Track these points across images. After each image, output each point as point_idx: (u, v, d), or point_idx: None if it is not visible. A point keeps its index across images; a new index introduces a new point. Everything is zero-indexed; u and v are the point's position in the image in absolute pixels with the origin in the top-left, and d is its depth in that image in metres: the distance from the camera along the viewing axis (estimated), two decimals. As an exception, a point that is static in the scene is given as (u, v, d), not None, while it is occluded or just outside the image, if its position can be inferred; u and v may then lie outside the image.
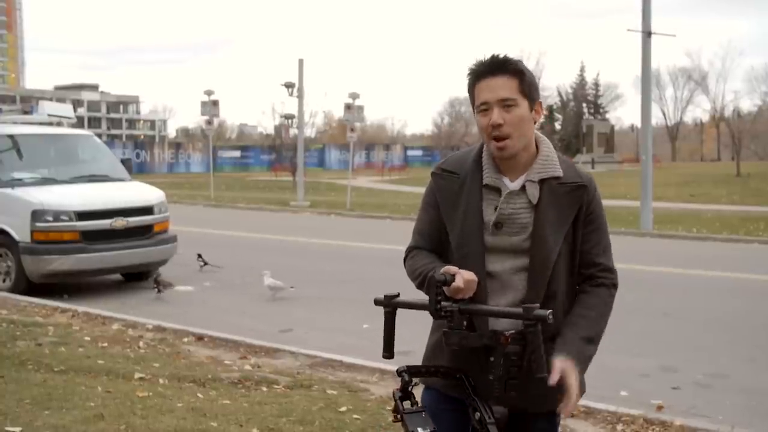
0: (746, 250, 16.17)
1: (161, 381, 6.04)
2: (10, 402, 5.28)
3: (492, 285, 2.48)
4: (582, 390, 2.52)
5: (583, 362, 2.43)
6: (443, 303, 2.32)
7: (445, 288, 2.32)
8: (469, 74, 2.51)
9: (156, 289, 10.39)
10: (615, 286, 2.57)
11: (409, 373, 2.37)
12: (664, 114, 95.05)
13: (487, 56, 2.49)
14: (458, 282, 2.31)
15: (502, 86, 2.44)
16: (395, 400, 2.34)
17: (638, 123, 25.65)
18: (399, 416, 2.31)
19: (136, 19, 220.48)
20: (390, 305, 2.41)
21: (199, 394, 5.72)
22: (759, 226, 19.50)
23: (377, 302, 2.44)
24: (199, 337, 7.82)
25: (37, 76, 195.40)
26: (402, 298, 2.42)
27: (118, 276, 11.58)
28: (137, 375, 6.12)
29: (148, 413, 5.15)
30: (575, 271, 2.53)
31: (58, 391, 5.55)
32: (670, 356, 7.50)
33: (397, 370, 2.40)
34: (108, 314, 8.84)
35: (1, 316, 8.35)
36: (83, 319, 8.60)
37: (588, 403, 5.71)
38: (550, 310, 2.24)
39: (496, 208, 2.48)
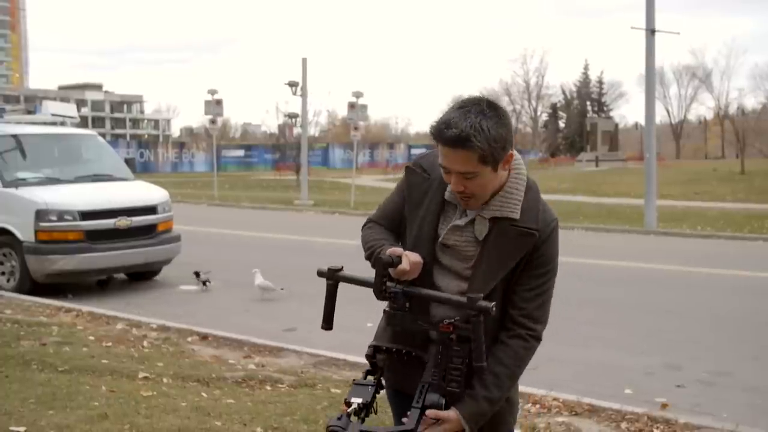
0: (751, 248, 16.14)
1: (165, 380, 6.04)
2: (14, 401, 5.29)
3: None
4: (516, 410, 2.63)
5: (476, 419, 2.39)
6: (388, 284, 2.35)
7: (390, 269, 2.34)
8: (430, 132, 2.39)
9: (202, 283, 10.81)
10: (535, 338, 2.47)
11: (374, 349, 2.48)
12: (668, 112, 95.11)
13: (448, 123, 2.30)
14: (404, 264, 2.34)
15: (461, 161, 2.31)
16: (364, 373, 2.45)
17: (642, 121, 25.62)
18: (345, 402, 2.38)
19: (140, 18, 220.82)
20: (333, 278, 2.45)
21: (203, 394, 5.72)
22: (763, 224, 19.45)
23: (320, 274, 2.47)
24: (203, 337, 7.82)
25: (41, 75, 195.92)
26: (346, 272, 2.44)
27: (122, 275, 11.59)
28: (141, 374, 6.13)
29: (152, 413, 5.15)
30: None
31: (62, 391, 5.56)
32: (674, 354, 7.48)
33: (369, 347, 2.51)
34: (112, 314, 8.85)
35: (6, 316, 8.36)
36: (87, 318, 8.61)
37: (592, 401, 5.72)
38: (494, 303, 2.25)
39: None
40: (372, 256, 2.50)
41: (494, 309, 2.24)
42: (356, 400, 2.32)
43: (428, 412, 2.32)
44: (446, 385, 2.34)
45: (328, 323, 2.51)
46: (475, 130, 2.27)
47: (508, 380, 2.44)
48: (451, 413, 2.34)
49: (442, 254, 2.49)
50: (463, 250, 2.45)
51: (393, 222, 2.63)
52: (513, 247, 2.41)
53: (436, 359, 2.35)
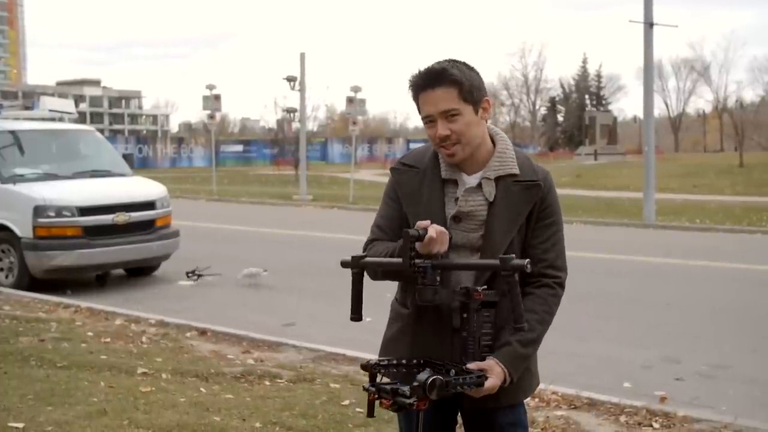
0: (749, 241, 16.16)
1: (164, 376, 6.03)
2: (13, 398, 5.29)
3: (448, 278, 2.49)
4: (536, 382, 2.64)
5: (514, 364, 2.43)
6: (416, 260, 2.32)
7: (417, 244, 2.31)
8: (409, 87, 2.49)
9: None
10: (560, 285, 2.56)
11: (377, 366, 2.37)
12: (666, 105, 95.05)
13: (424, 68, 2.46)
14: (431, 232, 2.30)
15: (441, 98, 2.42)
16: (366, 389, 2.32)
17: (641, 114, 25.62)
18: (374, 394, 2.29)
19: (138, 14, 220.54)
20: (358, 266, 2.40)
21: (202, 389, 5.72)
22: (762, 217, 19.47)
23: (344, 264, 2.43)
24: (202, 332, 7.81)
25: (39, 71, 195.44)
26: (370, 258, 2.43)
27: (120, 271, 11.58)
28: (140, 370, 6.12)
29: (150, 408, 5.15)
30: None
31: (60, 387, 5.55)
32: (673, 347, 7.49)
33: (361, 365, 2.41)
34: (111, 309, 8.84)
35: (4, 312, 8.35)
36: (86, 314, 8.60)
37: (591, 394, 5.71)
38: (527, 260, 2.28)
39: (456, 200, 2.50)
40: (391, 263, 2.42)
41: (529, 266, 2.26)
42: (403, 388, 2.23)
43: (470, 365, 2.35)
44: (481, 352, 2.38)
45: (356, 313, 2.44)
46: (449, 65, 2.44)
47: (537, 324, 2.48)
48: (490, 361, 2.39)
49: (454, 233, 2.49)
50: (479, 215, 2.49)
51: (393, 232, 2.57)
52: (521, 201, 2.49)
53: (471, 328, 2.36)
